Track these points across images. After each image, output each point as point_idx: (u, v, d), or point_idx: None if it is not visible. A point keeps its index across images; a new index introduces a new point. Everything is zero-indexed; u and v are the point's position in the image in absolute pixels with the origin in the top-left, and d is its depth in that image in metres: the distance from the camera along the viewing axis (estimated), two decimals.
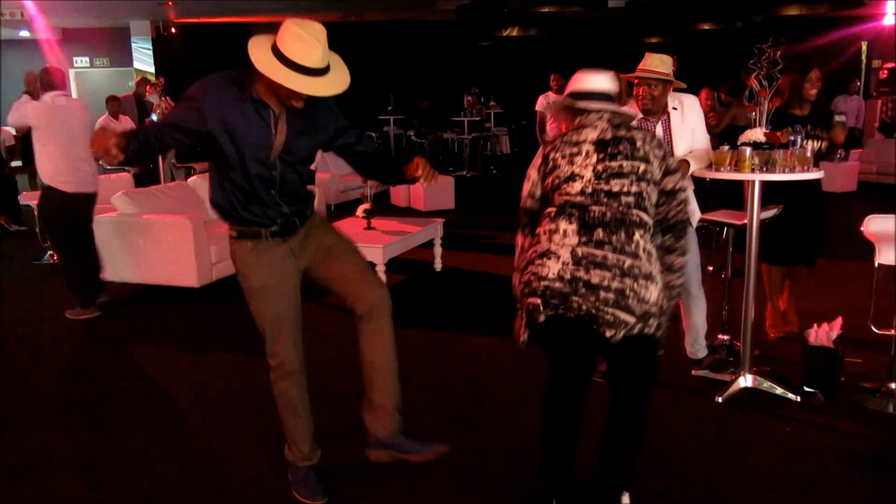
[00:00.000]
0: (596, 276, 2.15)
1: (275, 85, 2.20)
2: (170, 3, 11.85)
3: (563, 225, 2.22)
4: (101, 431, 3.29)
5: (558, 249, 2.20)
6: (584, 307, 2.15)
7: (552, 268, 2.20)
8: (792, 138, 3.29)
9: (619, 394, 2.35)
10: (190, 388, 3.76)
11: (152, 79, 12.53)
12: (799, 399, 3.36)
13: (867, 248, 3.50)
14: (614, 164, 2.21)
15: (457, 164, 12.50)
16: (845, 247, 6.00)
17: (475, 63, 14.09)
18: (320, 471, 2.70)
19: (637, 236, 2.18)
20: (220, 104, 2.28)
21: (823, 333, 3.42)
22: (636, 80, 3.47)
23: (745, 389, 3.43)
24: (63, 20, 13.78)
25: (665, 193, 2.28)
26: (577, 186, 2.23)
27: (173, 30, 13.58)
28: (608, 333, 2.16)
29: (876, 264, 3.41)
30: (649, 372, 2.33)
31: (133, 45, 13.72)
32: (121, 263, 5.37)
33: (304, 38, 2.14)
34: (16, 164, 9.25)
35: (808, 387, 3.41)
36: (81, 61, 15.15)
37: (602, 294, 2.14)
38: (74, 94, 15.18)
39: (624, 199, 2.19)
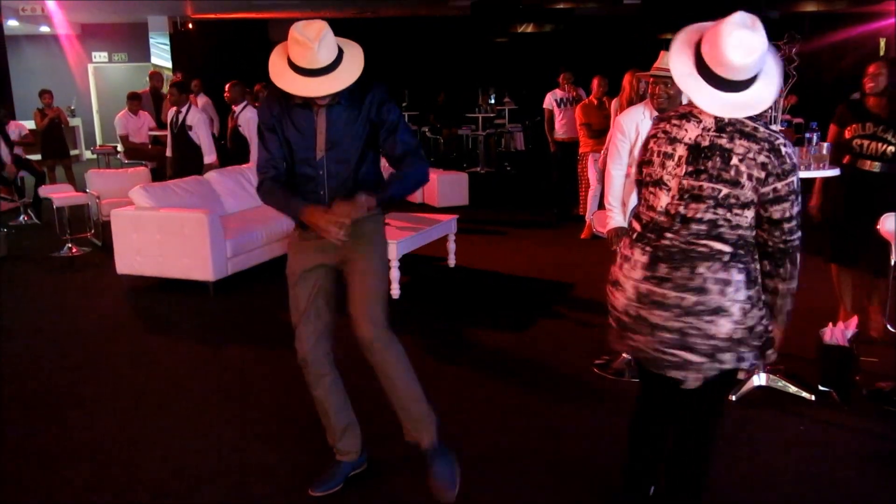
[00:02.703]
0: (656, 317, 2.00)
1: None
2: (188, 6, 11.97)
3: (637, 255, 2.06)
4: (116, 422, 3.33)
5: (625, 282, 2.08)
6: (646, 347, 2.05)
7: (620, 300, 2.10)
8: (808, 136, 3.28)
9: (681, 430, 2.22)
10: (204, 381, 3.80)
11: (167, 73, 12.64)
12: (813, 398, 3.34)
13: (883, 247, 3.46)
14: (696, 183, 1.94)
15: (471, 160, 12.49)
16: None
17: (490, 59, 14.06)
18: (354, 470, 2.74)
19: (702, 269, 1.95)
20: (274, 118, 2.43)
21: (839, 332, 3.40)
22: (651, 79, 3.46)
23: (760, 388, 3.42)
24: (82, 16, 13.91)
25: (768, 221, 1.95)
26: (663, 200, 2.01)
27: (190, 25, 13.66)
28: (676, 376, 2.03)
29: (892, 263, 3.38)
30: (713, 408, 2.18)
31: (151, 41, 13.83)
32: (137, 256, 5.42)
33: (299, 41, 2.20)
34: (34, 157, 9.36)
35: (822, 386, 3.39)
36: (100, 56, 15.28)
37: (663, 335, 2.00)
38: (93, 89, 15.36)
39: (694, 226, 1.95)
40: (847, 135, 3.78)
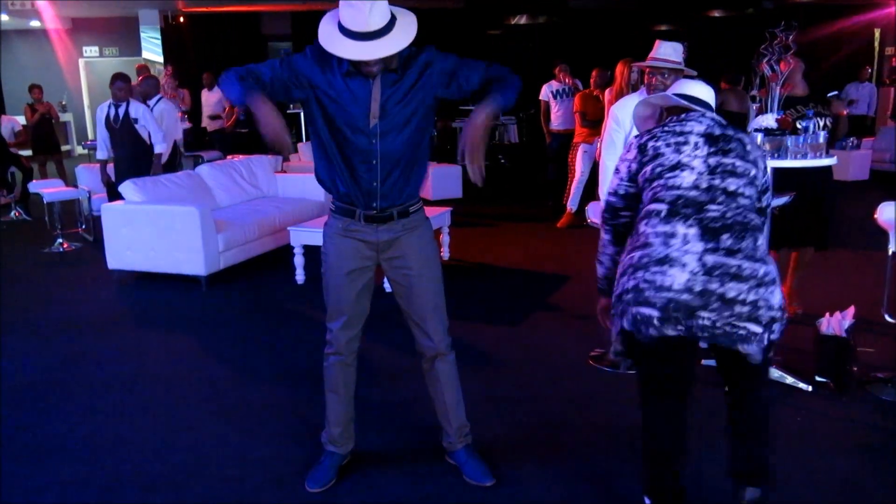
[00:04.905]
0: (732, 290, 1.93)
1: None
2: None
3: (680, 228, 1.99)
4: (106, 416, 3.29)
5: (681, 257, 1.96)
6: (718, 323, 1.94)
7: (677, 277, 1.95)
8: (804, 124, 3.25)
9: (740, 404, 2.21)
10: (196, 375, 3.75)
11: (158, 67, 12.54)
12: (810, 388, 3.32)
13: (880, 236, 3.45)
14: (727, 160, 2.05)
15: None
16: (858, 236, 5.94)
17: (484, 51, 13.99)
18: (345, 463, 2.73)
19: (760, 240, 2.02)
20: (314, 71, 2.30)
21: (836, 322, 3.38)
22: (647, 70, 3.43)
23: None
24: (72, 10, 13.78)
25: (758, 211, 2.15)
26: (688, 178, 2.04)
27: (182, 19, 13.55)
28: (743, 350, 1.99)
29: (890, 252, 3.36)
30: (766, 379, 2.24)
31: (142, 35, 13.71)
32: (128, 251, 5.37)
33: (352, 3, 2.15)
34: (25, 152, 9.27)
35: (819, 376, 3.37)
36: (91, 51, 15.16)
37: (737, 308, 1.94)
38: (83, 84, 15.24)
39: (742, 200, 2.02)
40: (785, 125, 3.80)
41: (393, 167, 2.37)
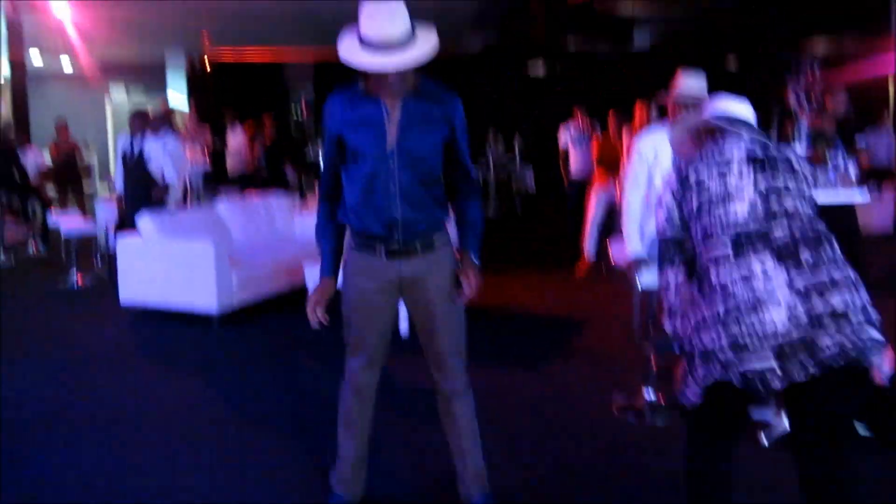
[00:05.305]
0: (837, 301, 1.79)
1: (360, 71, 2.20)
2: (205, 42, 12.20)
3: (756, 265, 1.86)
4: (110, 452, 3.18)
5: (772, 294, 1.82)
6: (842, 341, 1.77)
7: (777, 317, 1.80)
8: (833, 158, 3.16)
9: (815, 448, 1.95)
10: (200, 418, 3.63)
11: (184, 110, 12.78)
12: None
13: None
14: (778, 184, 1.96)
15: (483, 200, 12.43)
16: (888, 290, 5.74)
17: (502, 100, 14.12)
18: None
19: (835, 246, 1.89)
20: (339, 112, 2.29)
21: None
22: (672, 104, 3.36)
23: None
24: (101, 53, 14.18)
25: None
26: (741, 209, 1.93)
27: (207, 65, 13.88)
28: (875, 362, 1.80)
29: None
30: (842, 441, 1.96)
31: (168, 79, 14.05)
32: (142, 286, 5.32)
33: (373, 14, 2.12)
34: (50, 190, 9.38)
35: (861, 429, 3.16)
36: (118, 93, 15.55)
37: (852, 318, 1.79)
38: (109, 124, 15.57)
39: (802, 215, 1.94)
40: (816, 161, 3.72)
41: (413, 194, 2.29)
